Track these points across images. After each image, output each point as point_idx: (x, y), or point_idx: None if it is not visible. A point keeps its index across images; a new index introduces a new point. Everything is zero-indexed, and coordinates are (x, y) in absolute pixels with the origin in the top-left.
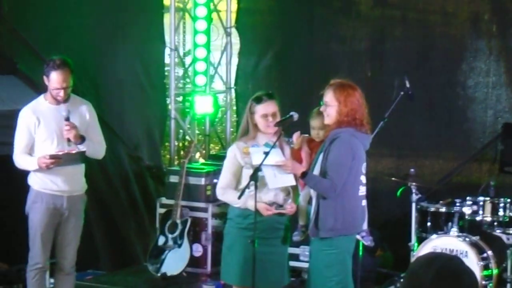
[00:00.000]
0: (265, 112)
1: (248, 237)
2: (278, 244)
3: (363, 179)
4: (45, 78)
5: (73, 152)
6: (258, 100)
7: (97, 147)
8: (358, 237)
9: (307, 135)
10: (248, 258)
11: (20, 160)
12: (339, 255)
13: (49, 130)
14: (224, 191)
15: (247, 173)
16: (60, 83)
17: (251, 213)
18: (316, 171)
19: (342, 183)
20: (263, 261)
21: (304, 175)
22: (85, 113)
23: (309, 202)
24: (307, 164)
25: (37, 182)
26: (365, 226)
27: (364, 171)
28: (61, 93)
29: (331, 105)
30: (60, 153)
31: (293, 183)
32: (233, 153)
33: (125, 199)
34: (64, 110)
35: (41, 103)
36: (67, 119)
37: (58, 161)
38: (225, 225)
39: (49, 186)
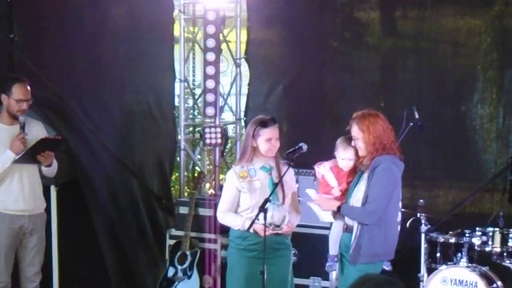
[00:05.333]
0: (270, 136)
1: (247, 257)
2: (278, 264)
3: (400, 205)
4: (3, 95)
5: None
6: (264, 124)
7: (51, 168)
8: None
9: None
10: (248, 278)
11: None
12: None
13: (3, 149)
14: (224, 215)
15: (244, 197)
16: (25, 94)
17: (249, 235)
18: (355, 201)
19: (382, 210)
20: (265, 281)
21: (339, 209)
22: (38, 132)
23: (347, 230)
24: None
25: None
26: None
27: (400, 197)
28: (24, 105)
29: (358, 138)
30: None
31: (331, 220)
32: (231, 177)
33: (135, 230)
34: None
35: None
36: (23, 126)
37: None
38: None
39: (10, 207)
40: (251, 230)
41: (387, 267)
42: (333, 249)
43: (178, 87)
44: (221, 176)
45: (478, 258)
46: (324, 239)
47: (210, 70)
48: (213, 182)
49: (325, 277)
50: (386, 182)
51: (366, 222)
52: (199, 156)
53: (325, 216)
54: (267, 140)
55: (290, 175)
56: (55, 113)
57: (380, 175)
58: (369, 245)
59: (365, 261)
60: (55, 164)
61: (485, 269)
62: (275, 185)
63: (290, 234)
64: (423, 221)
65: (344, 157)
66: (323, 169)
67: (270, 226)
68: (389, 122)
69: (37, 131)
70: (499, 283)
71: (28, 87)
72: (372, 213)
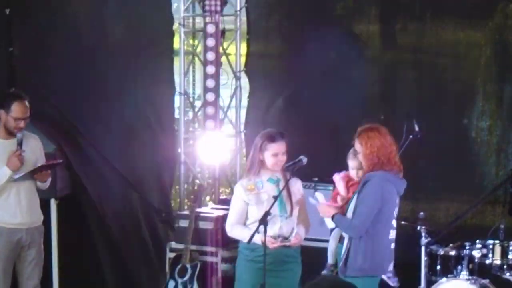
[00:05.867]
0: (277, 151)
1: (255, 268)
2: (286, 276)
3: (394, 223)
4: (1, 111)
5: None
6: (272, 139)
7: (46, 182)
8: (384, 277)
9: (347, 171)
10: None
11: None
12: None
13: (1, 164)
14: (232, 228)
15: (252, 209)
16: (24, 113)
17: (258, 246)
18: (350, 213)
19: (366, 225)
20: None
21: (333, 217)
22: (35, 146)
23: (340, 241)
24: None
25: None
26: (391, 267)
27: (395, 215)
28: (22, 123)
29: (359, 152)
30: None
31: (333, 225)
32: (238, 191)
33: (136, 244)
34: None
35: None
36: (20, 143)
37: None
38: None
39: (7, 220)
40: (259, 242)
41: (393, 283)
42: (330, 258)
43: (178, 100)
44: (221, 189)
45: (479, 270)
46: (324, 251)
47: (210, 83)
48: (213, 195)
49: None
50: (372, 198)
51: (351, 235)
52: (199, 169)
53: (329, 222)
54: (274, 155)
55: (297, 187)
56: (54, 127)
57: (367, 191)
58: (355, 258)
59: (351, 275)
60: (49, 179)
61: (485, 281)
62: (275, 198)
63: (300, 247)
64: (423, 234)
65: (353, 166)
66: (337, 177)
67: (279, 238)
68: (391, 134)
69: (35, 146)
70: None
71: (27, 104)
72: (355, 228)
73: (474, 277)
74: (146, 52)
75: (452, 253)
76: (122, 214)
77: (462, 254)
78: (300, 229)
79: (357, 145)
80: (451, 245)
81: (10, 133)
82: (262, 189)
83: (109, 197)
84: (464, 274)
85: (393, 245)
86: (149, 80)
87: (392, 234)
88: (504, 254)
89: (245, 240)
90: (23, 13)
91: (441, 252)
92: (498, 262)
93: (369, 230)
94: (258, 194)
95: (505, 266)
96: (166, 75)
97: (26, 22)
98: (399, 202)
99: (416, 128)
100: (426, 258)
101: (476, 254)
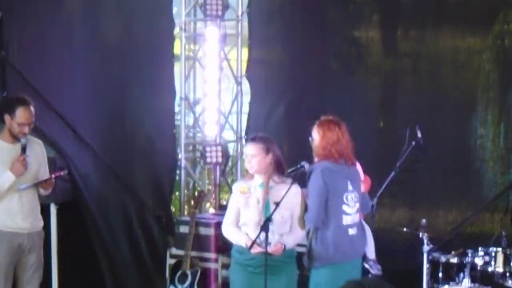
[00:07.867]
0: (246, 153)
1: (245, 272)
2: (276, 279)
3: (346, 208)
4: (6, 115)
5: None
6: (246, 142)
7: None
8: (366, 266)
9: None
10: None
11: None
12: (328, 285)
13: (3, 168)
14: (228, 229)
15: (243, 212)
16: (28, 119)
17: (244, 250)
18: None
19: (321, 215)
20: None
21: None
22: (38, 151)
23: None
24: None
25: None
26: (372, 255)
27: (348, 200)
28: (26, 128)
29: (314, 139)
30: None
31: None
32: (233, 192)
33: (129, 250)
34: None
35: None
36: (24, 148)
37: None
38: None
39: (9, 224)
40: (244, 245)
41: (375, 270)
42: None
43: (177, 105)
44: (221, 195)
45: (481, 278)
46: None
47: (211, 88)
48: (214, 201)
49: None
50: (316, 188)
51: (309, 227)
52: (199, 175)
53: None
54: (246, 157)
55: (293, 192)
56: (52, 132)
57: (310, 183)
58: (315, 249)
59: (315, 265)
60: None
61: None
62: (276, 204)
63: (293, 249)
64: (425, 241)
65: None
66: None
67: (262, 245)
68: (388, 142)
69: (38, 151)
70: None
71: (32, 110)
72: (309, 219)
73: (476, 285)
74: (146, 56)
75: (454, 260)
76: (117, 220)
77: (465, 262)
78: (290, 236)
79: (314, 133)
80: (453, 252)
81: (15, 138)
82: (253, 193)
83: (105, 203)
84: (466, 281)
85: (351, 231)
86: (149, 85)
87: (347, 219)
88: (506, 261)
89: (242, 244)
90: (15, 16)
91: (443, 259)
92: (500, 269)
93: (325, 219)
94: (248, 197)
95: (507, 274)
96: (166, 80)
97: (19, 26)
98: (355, 187)
99: (419, 135)
100: (428, 265)
101: (479, 261)
